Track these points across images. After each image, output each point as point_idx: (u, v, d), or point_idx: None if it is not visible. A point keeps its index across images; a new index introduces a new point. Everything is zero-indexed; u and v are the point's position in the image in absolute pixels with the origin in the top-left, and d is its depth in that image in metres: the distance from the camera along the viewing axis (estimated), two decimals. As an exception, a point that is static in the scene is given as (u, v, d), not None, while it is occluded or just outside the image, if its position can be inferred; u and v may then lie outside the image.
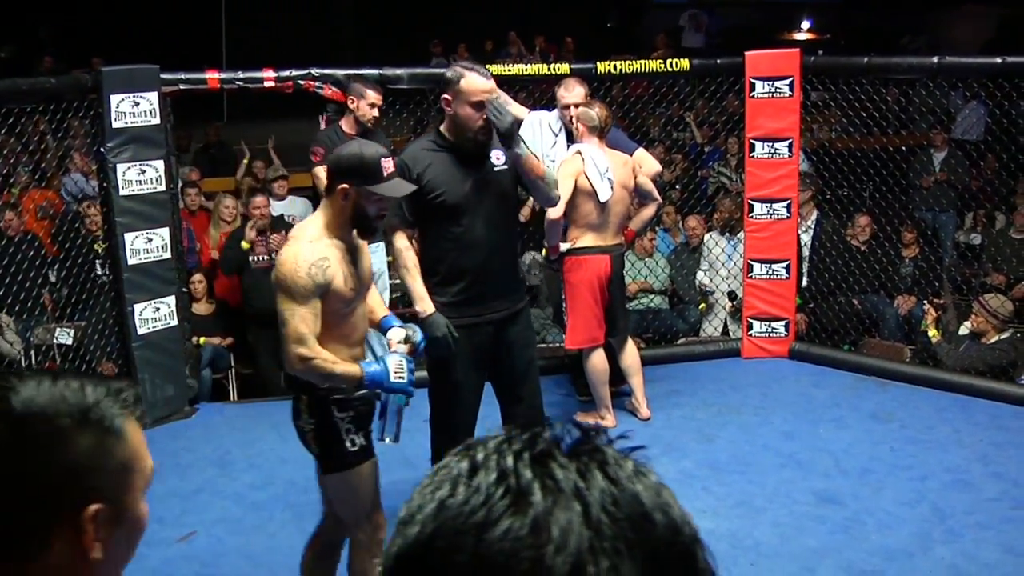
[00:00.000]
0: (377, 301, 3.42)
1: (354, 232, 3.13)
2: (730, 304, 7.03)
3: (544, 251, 5.44)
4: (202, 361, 6.51)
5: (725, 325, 7.22)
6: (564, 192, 4.75)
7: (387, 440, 3.27)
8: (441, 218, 3.74)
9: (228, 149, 10.45)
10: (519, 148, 3.72)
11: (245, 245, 6.46)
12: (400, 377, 3.10)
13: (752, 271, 6.70)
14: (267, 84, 6.06)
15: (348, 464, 3.22)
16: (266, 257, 6.45)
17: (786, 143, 6.49)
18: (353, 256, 3.14)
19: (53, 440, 1.14)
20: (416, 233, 3.92)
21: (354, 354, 3.18)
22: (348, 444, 3.15)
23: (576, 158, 5.15)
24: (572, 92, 5.34)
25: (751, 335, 6.77)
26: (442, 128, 3.74)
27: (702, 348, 6.86)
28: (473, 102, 3.58)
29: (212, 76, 6.02)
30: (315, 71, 6.11)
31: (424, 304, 3.79)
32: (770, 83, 6.48)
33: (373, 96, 5.56)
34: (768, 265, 6.64)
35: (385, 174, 2.99)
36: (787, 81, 6.46)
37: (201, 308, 6.82)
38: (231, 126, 11.91)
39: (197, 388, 6.24)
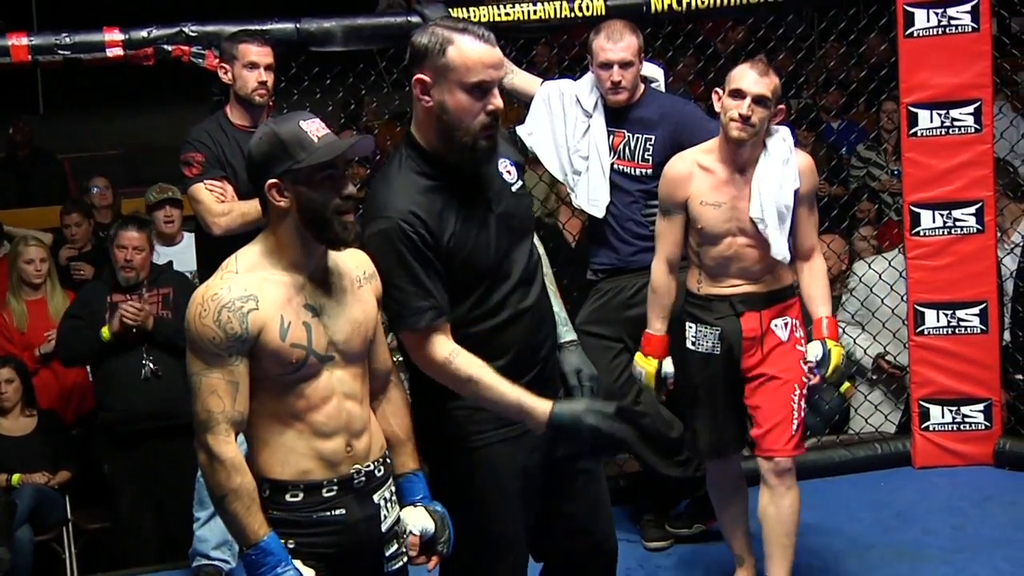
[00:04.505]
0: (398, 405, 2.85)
1: (320, 252, 2.61)
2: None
3: None
4: (16, 515, 5.13)
5: (905, 415, 5.75)
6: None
7: None
8: (467, 289, 3.07)
9: (46, 159, 8.92)
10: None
11: (106, 335, 5.10)
12: None
13: (922, 323, 5.36)
14: (111, 53, 4.85)
15: None
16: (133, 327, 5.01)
17: (971, 109, 5.25)
18: (317, 295, 2.63)
19: None
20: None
21: (315, 449, 2.58)
22: None
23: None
24: (618, 43, 4.31)
25: (927, 430, 5.36)
26: (416, 135, 2.93)
27: (847, 454, 5.51)
28: (470, 84, 2.85)
29: (17, 42, 4.76)
30: (191, 28, 4.85)
31: (533, 406, 2.90)
32: (939, 10, 5.18)
33: (252, 53, 4.37)
34: (949, 312, 5.33)
35: (315, 139, 2.56)
36: (968, 5, 5.13)
37: (11, 425, 5.37)
38: (49, 122, 10.24)
39: (8, 561, 4.98)
